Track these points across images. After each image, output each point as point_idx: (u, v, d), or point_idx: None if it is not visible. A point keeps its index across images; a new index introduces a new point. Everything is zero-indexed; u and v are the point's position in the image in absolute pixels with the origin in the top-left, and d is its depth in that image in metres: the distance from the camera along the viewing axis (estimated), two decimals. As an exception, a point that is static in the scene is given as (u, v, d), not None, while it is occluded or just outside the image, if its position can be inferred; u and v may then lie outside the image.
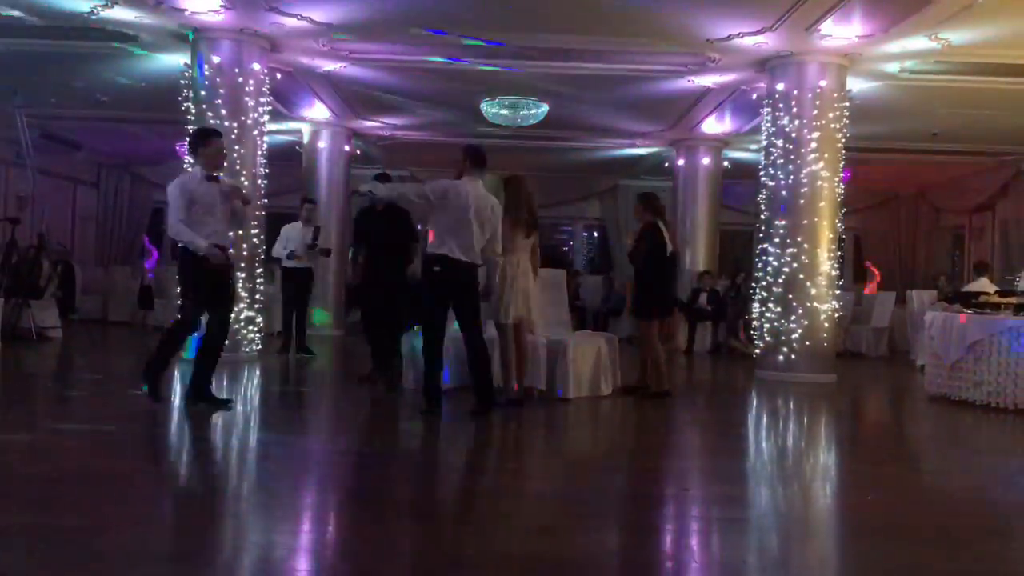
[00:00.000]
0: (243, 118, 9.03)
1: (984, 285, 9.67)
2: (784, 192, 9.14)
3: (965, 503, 4.35)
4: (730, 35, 8.52)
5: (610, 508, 4.07)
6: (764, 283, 9.32)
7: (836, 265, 9.24)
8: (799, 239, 9.03)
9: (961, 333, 7.55)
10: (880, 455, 5.71)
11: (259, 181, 9.24)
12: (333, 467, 4.76)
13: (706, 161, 13.82)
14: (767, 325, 9.21)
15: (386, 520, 3.67)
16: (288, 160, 13.19)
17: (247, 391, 7.49)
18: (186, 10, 8.30)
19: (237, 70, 9.00)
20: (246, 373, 8.25)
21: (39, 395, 7.14)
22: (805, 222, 9.03)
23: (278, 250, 9.71)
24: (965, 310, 7.89)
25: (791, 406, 7.66)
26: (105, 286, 15.19)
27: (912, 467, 5.43)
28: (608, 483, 4.60)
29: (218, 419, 5.71)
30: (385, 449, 5.35)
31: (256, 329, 9.17)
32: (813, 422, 7.12)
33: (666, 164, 14.69)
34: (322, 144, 13.60)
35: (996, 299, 7.93)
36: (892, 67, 9.35)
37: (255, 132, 9.17)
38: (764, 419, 7.27)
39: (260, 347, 9.27)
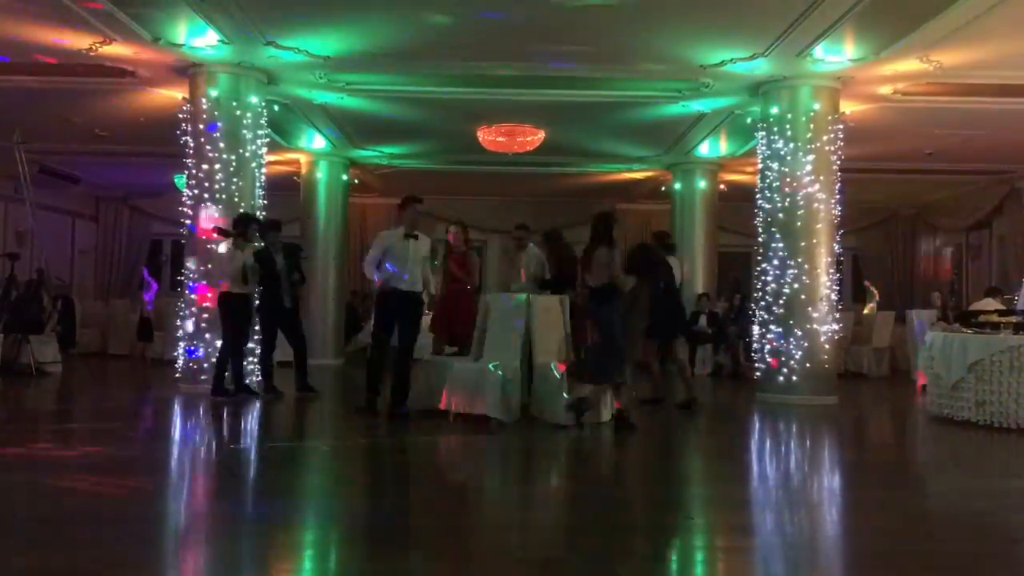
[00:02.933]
0: (241, 151, 9.09)
1: (988, 305, 9.66)
2: (781, 215, 9.18)
3: (969, 527, 4.32)
4: (723, 61, 8.60)
5: (612, 538, 4.04)
6: (763, 304, 9.33)
7: (835, 286, 9.25)
8: (798, 260, 9.05)
9: (961, 353, 7.54)
10: (883, 479, 5.68)
11: (258, 213, 9.27)
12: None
13: (703, 184, 13.89)
14: (767, 347, 9.21)
15: (380, 554, 3.64)
16: (286, 190, 13.24)
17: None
18: (184, 45, 8.38)
19: (235, 103, 9.07)
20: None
21: (39, 432, 7.11)
22: (803, 244, 9.05)
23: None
24: (965, 330, 7.89)
25: (793, 429, 7.63)
26: (104, 319, 15.19)
27: (915, 491, 5.40)
28: (609, 512, 4.57)
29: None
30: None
31: (255, 361, 9.14)
32: (815, 445, 7.09)
33: (663, 188, 14.76)
34: (320, 174, 13.67)
35: (996, 318, 7.93)
36: (885, 89, 9.42)
37: (253, 164, 9.22)
38: (766, 443, 7.24)
39: (260, 379, 9.23)
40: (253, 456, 6.07)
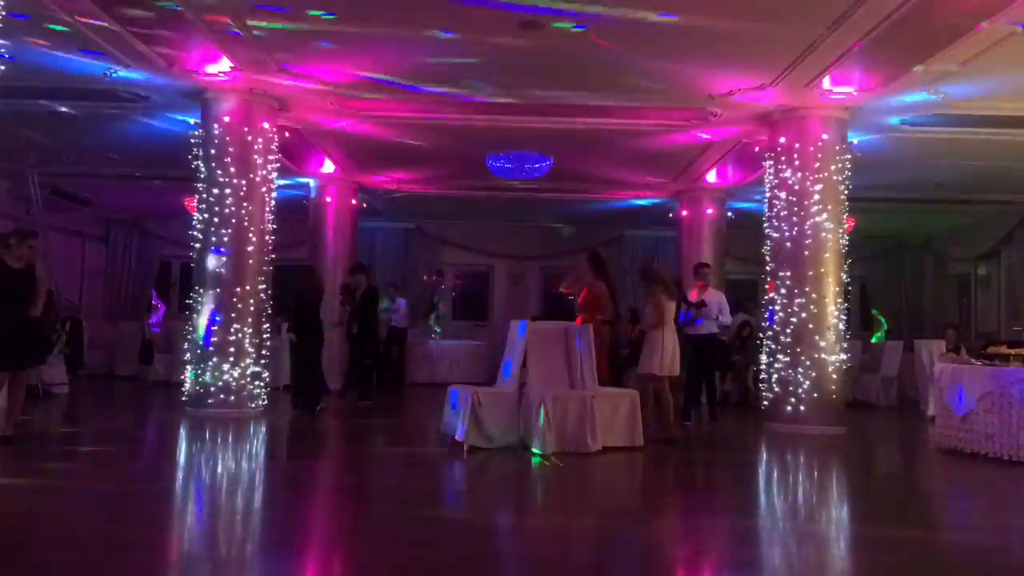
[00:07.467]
0: (252, 175, 9.14)
1: None
2: (788, 243, 9.17)
3: (980, 564, 4.27)
4: (731, 91, 8.64)
5: (622, 571, 4.01)
6: (771, 334, 9.30)
7: (843, 316, 9.21)
8: (806, 289, 9.03)
9: (971, 385, 7.49)
10: (892, 513, 5.63)
11: (267, 237, 9.32)
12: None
13: (710, 211, 13.90)
14: (775, 376, 9.16)
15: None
16: (295, 214, 13.29)
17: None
18: (197, 72, 8.47)
19: (246, 129, 9.14)
20: (252, 429, 8.22)
21: (42, 456, 7.10)
22: (811, 273, 9.04)
23: None
24: (975, 361, 7.84)
25: (801, 460, 7.58)
26: (111, 341, 15.22)
27: (925, 525, 5.34)
28: (620, 544, 4.53)
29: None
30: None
31: (262, 384, 9.17)
32: (823, 477, 7.03)
33: (670, 215, 14.78)
34: (329, 198, 13.74)
35: (1005, 350, 7.89)
36: (893, 120, 9.45)
37: (263, 189, 9.27)
38: (774, 474, 7.18)
39: (266, 403, 9.26)
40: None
